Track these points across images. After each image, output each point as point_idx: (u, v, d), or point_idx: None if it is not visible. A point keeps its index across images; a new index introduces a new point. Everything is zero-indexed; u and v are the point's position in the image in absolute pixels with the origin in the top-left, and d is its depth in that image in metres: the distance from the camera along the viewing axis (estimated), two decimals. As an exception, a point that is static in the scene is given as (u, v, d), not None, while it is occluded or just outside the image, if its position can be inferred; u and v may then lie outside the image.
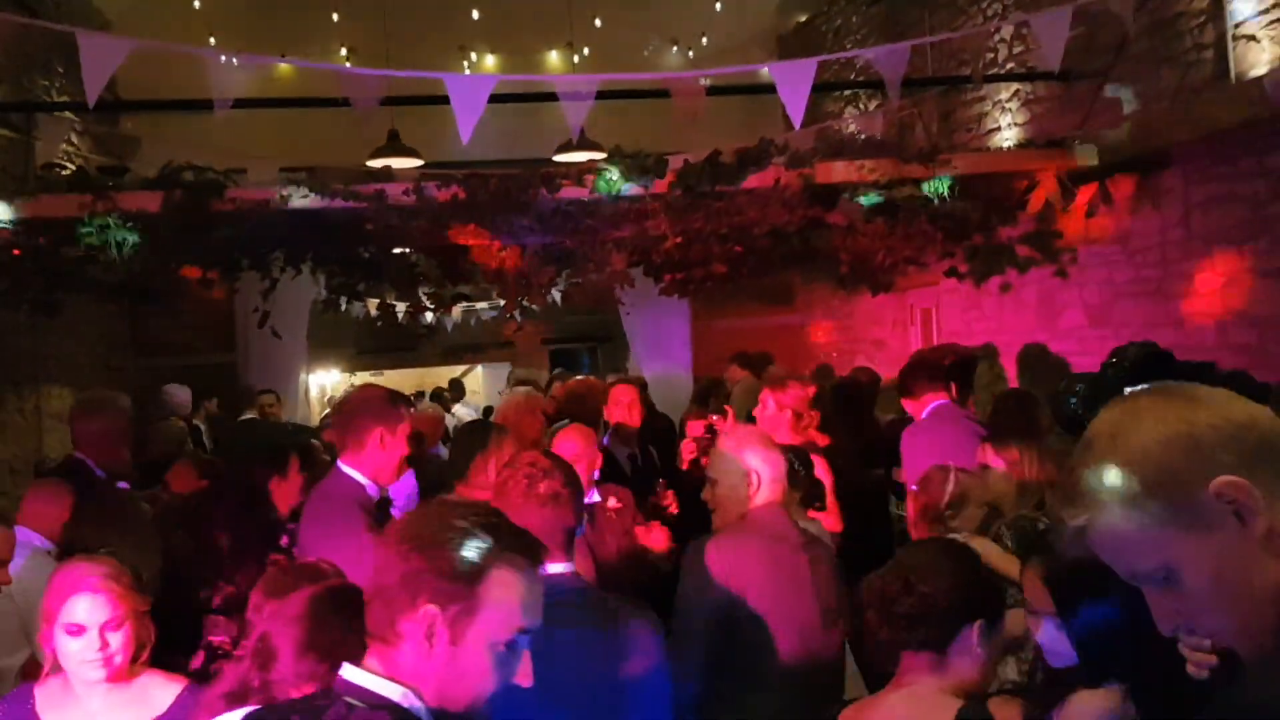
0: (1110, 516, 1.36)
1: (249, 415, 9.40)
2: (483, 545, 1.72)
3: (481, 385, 15.57)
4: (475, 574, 1.71)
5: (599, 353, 14.77)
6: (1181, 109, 5.93)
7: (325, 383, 13.76)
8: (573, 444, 4.13)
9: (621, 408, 5.56)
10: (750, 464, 3.25)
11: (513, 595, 1.76)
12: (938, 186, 5.90)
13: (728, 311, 10.99)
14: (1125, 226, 6.63)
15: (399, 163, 7.85)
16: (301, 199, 5.61)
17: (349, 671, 1.74)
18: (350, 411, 3.83)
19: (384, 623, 1.71)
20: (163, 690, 2.71)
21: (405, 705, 1.69)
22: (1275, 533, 1.30)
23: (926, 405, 5.02)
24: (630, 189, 5.48)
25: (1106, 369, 1.80)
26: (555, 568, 2.63)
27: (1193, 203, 6.20)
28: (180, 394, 9.01)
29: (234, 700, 2.16)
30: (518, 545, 1.79)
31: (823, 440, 5.17)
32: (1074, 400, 1.87)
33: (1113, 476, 1.35)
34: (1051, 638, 2.30)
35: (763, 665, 3.06)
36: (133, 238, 5.41)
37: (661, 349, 10.70)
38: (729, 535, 3.21)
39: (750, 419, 5.45)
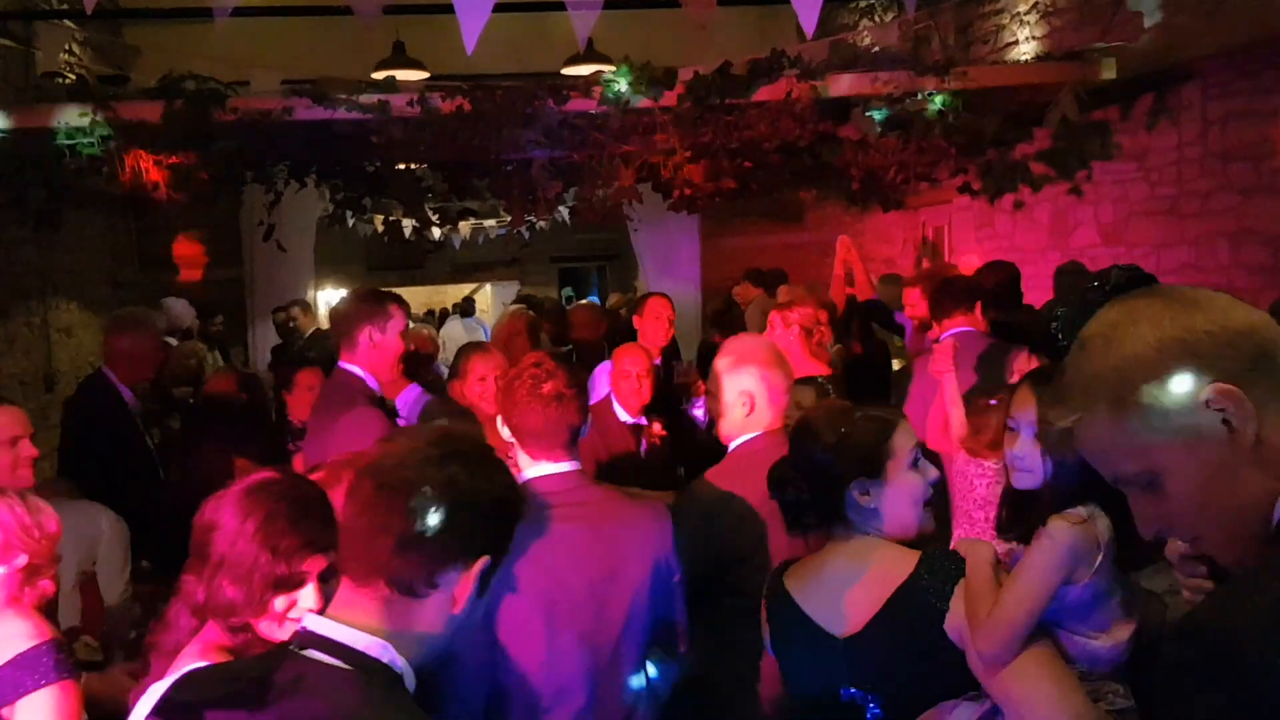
0: (1098, 418, 1.35)
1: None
2: None
3: (490, 303, 15.57)
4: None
5: (607, 271, 14.74)
6: (1204, 21, 5.78)
7: (334, 300, 13.76)
8: (632, 365, 4.19)
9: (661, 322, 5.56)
10: (748, 385, 3.19)
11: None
12: (944, 102, 5.77)
13: (737, 229, 10.90)
14: (1141, 143, 6.51)
15: (404, 75, 7.72)
16: (305, 110, 5.52)
17: (313, 621, 1.59)
18: (342, 313, 4.04)
19: (418, 573, 1.57)
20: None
21: (385, 660, 1.55)
22: (1264, 443, 1.28)
23: (947, 330, 4.94)
24: (639, 101, 5.39)
25: (1087, 293, 1.79)
26: (560, 466, 2.68)
27: (1211, 119, 6.08)
28: (179, 307, 8.97)
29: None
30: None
31: (823, 367, 5.08)
32: (1055, 324, 1.85)
33: (1104, 378, 1.33)
34: (1026, 453, 2.25)
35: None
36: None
37: (670, 266, 10.64)
38: (718, 477, 3.16)
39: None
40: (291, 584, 1.93)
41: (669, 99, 5.44)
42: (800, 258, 10.97)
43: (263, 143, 5.79)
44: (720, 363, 3.26)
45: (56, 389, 8.00)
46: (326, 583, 1.91)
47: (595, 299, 12.42)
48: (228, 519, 1.98)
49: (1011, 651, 2.00)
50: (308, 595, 1.94)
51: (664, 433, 4.56)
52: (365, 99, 5.50)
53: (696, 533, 2.93)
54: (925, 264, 8.77)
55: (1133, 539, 1.77)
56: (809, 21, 4.40)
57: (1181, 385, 1.29)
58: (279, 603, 1.93)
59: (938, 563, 2.23)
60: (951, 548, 2.34)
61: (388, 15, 5.94)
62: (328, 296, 13.55)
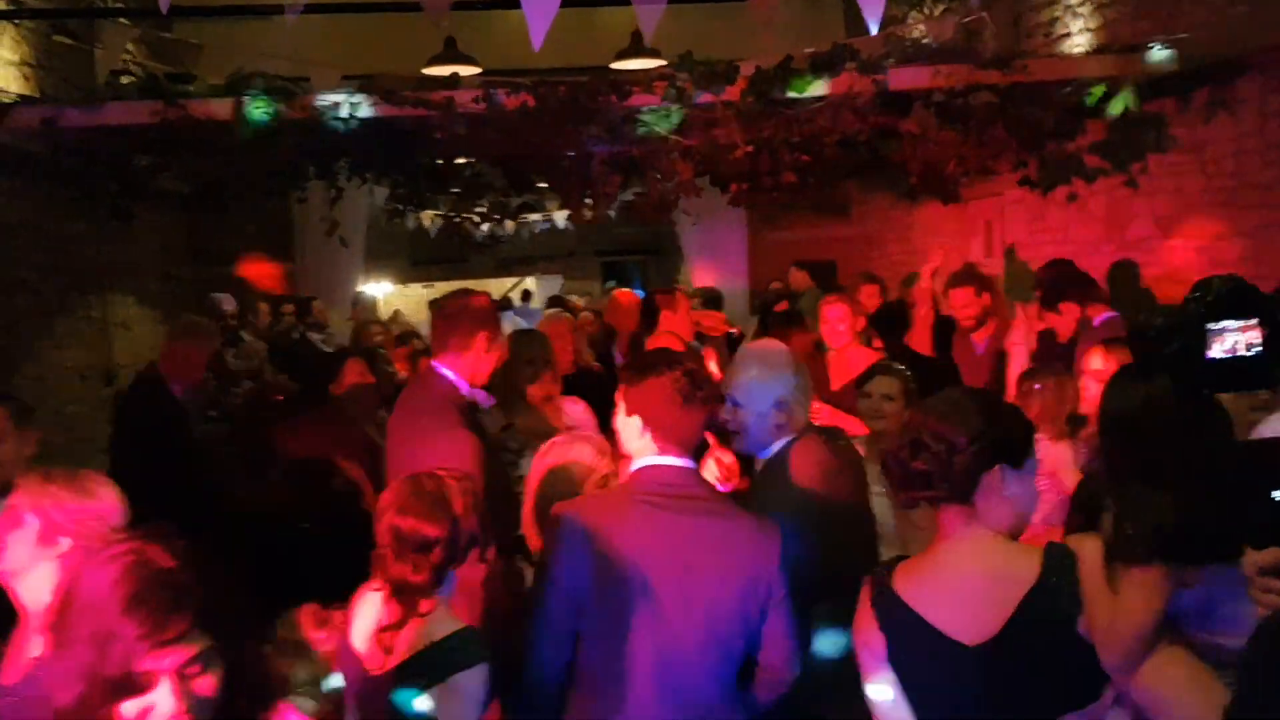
0: None
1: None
2: None
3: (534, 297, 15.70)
4: None
5: (650, 265, 14.76)
6: (1263, 11, 5.75)
7: (378, 294, 13.87)
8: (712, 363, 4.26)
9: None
10: (782, 393, 3.15)
11: None
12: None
13: (784, 223, 10.92)
14: (1198, 135, 6.48)
15: (458, 71, 7.78)
16: (370, 108, 5.60)
17: None
18: (455, 314, 3.86)
19: None
20: None
21: None
22: None
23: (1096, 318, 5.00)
24: (700, 96, 5.43)
25: (1189, 302, 1.77)
26: (681, 461, 2.75)
27: (1270, 110, 6.06)
28: (226, 303, 9.09)
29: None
30: None
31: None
32: (1153, 333, 1.84)
33: None
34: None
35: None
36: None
37: (717, 260, 10.68)
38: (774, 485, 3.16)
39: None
40: (133, 688, 1.56)
41: (730, 93, 5.47)
42: (848, 251, 10.98)
43: (328, 139, 5.87)
44: (748, 374, 3.19)
45: (115, 383, 8.11)
46: (188, 680, 1.59)
47: (640, 293, 12.48)
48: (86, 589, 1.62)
49: (1135, 662, 1.97)
50: (162, 697, 1.57)
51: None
52: (432, 95, 5.56)
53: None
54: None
55: (1199, 535, 1.79)
56: (874, 14, 4.41)
57: None
58: (127, 708, 1.58)
59: (1062, 562, 2.16)
60: (1062, 541, 2.30)
61: (441, 10, 6.00)
62: (371, 290, 13.67)
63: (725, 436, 3.43)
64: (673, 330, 5.45)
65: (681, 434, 2.73)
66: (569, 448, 3.38)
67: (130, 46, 8.56)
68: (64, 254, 7.78)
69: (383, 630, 2.64)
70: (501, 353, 3.91)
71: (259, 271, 5.75)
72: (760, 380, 3.16)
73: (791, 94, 5.46)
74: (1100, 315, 5.26)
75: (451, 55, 8.24)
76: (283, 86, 5.56)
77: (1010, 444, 2.23)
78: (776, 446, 3.17)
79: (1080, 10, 7.48)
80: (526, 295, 14.08)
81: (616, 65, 7.40)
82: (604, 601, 2.60)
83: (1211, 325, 1.67)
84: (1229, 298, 1.72)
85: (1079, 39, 7.43)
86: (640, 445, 2.76)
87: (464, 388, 3.78)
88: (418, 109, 5.54)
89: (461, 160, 6.77)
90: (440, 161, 6.52)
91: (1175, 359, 1.74)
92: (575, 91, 5.45)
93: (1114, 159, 6.52)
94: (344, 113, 5.49)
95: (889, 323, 6.79)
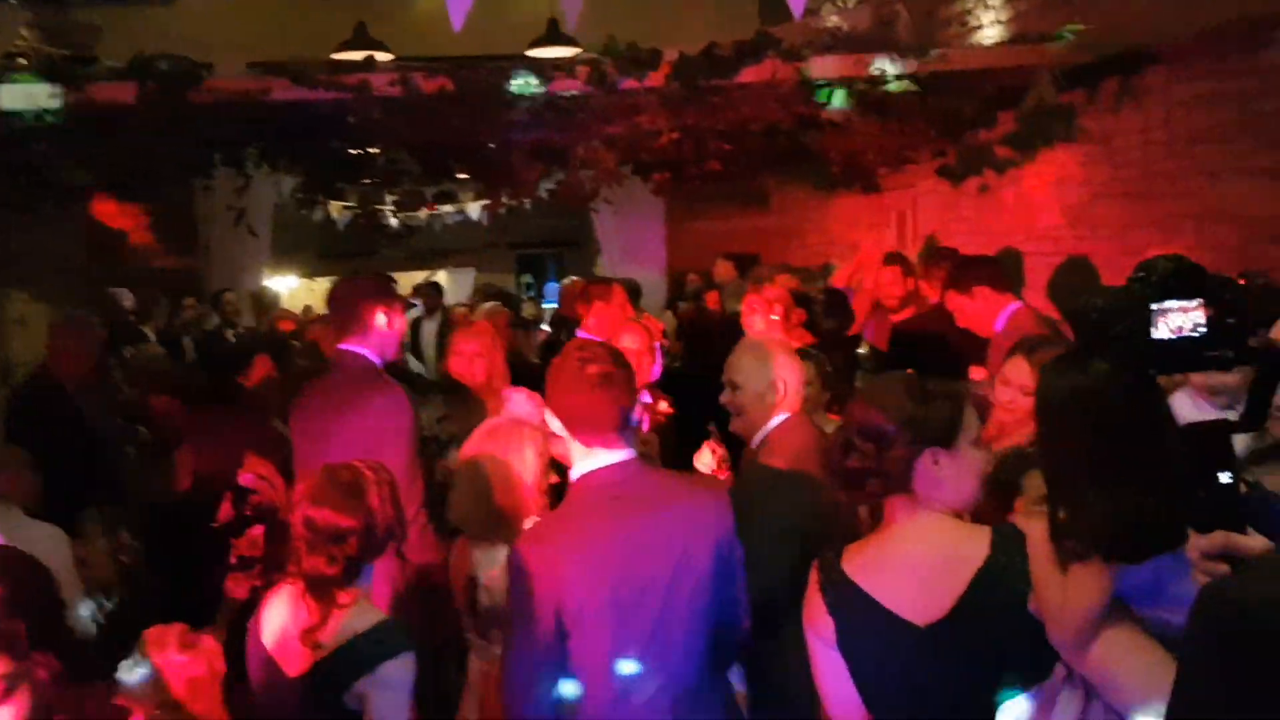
0: None
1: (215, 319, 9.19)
2: None
3: (446, 290, 15.48)
4: None
5: (565, 257, 14.67)
6: (1170, 4, 5.89)
7: (283, 288, 13.54)
8: (632, 342, 4.24)
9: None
10: (779, 373, 3.31)
11: None
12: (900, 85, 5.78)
13: (703, 213, 10.92)
14: (1106, 126, 6.62)
15: (383, 59, 7.61)
16: (282, 91, 5.41)
17: None
18: (348, 295, 3.96)
19: None
20: None
21: None
22: None
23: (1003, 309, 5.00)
24: (623, 82, 5.36)
25: (1133, 283, 1.77)
26: (616, 454, 2.64)
27: (1176, 101, 6.20)
28: (125, 299, 8.82)
29: None
30: None
31: (809, 338, 5.20)
32: (1095, 315, 1.83)
33: None
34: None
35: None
36: None
37: (635, 251, 10.65)
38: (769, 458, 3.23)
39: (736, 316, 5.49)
40: None
41: (654, 80, 5.42)
42: (767, 241, 11.02)
43: (237, 125, 5.68)
44: (747, 356, 3.35)
45: (12, 380, 7.79)
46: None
47: (556, 286, 12.36)
48: None
49: (1086, 641, 1.98)
50: None
51: (671, 410, 4.58)
52: (346, 79, 5.40)
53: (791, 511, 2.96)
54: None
55: (1143, 532, 1.79)
56: (798, 5, 4.40)
57: None
58: None
59: (1011, 541, 2.18)
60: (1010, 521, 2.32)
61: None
62: (277, 284, 13.34)
63: (725, 418, 3.52)
64: (606, 322, 5.41)
65: (599, 422, 2.62)
66: (501, 435, 3.33)
67: (24, 30, 8.19)
68: (-47, 250, 7.45)
69: (307, 631, 2.56)
70: (404, 323, 4.06)
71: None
72: (757, 361, 3.34)
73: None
74: (1009, 305, 5.27)
75: (363, 41, 8.04)
76: (189, 70, 5.34)
77: (938, 427, 2.25)
78: (771, 424, 3.33)
79: (992, 3, 7.59)
80: (436, 288, 13.85)
81: (532, 53, 7.30)
82: (581, 624, 2.54)
83: (1156, 305, 1.64)
84: (1173, 277, 1.69)
85: (990, 30, 7.54)
86: (574, 450, 2.68)
87: (380, 364, 3.87)
88: (330, 93, 5.37)
89: (375, 150, 6.60)
90: (353, 150, 6.34)
91: (1120, 341, 1.70)
92: (497, 76, 5.34)
93: (1023, 150, 6.62)
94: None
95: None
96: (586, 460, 2.65)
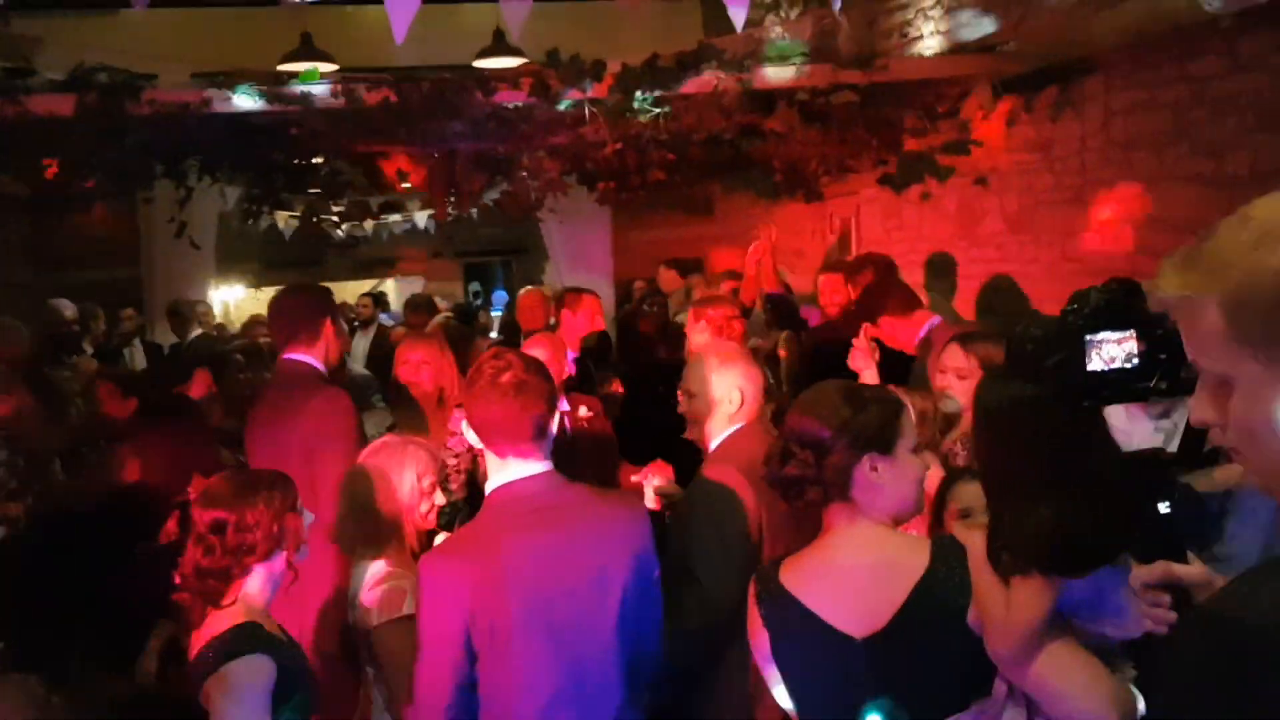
0: (1210, 307, 1.25)
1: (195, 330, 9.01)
2: None
3: (392, 301, 15.38)
4: None
5: (514, 265, 14.64)
6: (1105, 13, 6.00)
7: (229, 298, 13.38)
8: (541, 351, 4.19)
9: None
10: (738, 381, 3.28)
11: None
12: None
13: (648, 222, 10.95)
14: (1046, 134, 6.73)
15: (316, 68, 7.57)
16: (223, 102, 5.37)
17: None
18: (294, 309, 4.02)
19: None
20: None
21: None
22: None
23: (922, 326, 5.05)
24: (567, 93, 5.38)
25: (1067, 314, 1.77)
26: (531, 466, 2.58)
27: (1114, 109, 6.31)
28: (67, 309, 8.62)
29: None
30: None
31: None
32: (1031, 345, 1.83)
33: (1246, 278, 1.21)
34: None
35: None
36: None
37: (582, 260, 10.65)
38: (723, 465, 3.20)
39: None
40: None
41: (598, 91, 5.44)
42: (711, 248, 11.08)
43: (177, 136, 5.62)
44: (706, 363, 3.32)
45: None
46: None
47: (503, 294, 12.34)
48: None
49: (1029, 653, 1.95)
50: None
51: (590, 414, 4.60)
52: (288, 90, 5.36)
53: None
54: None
55: (1080, 549, 1.78)
56: (739, 13, 4.45)
57: None
58: None
59: (951, 552, 2.16)
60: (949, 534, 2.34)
61: (296, 6, 5.83)
62: (222, 295, 13.19)
63: (681, 426, 3.47)
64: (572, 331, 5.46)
65: (512, 432, 2.56)
66: (385, 451, 3.30)
67: (-40, 42, 8.05)
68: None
69: (187, 625, 2.59)
70: (345, 333, 4.23)
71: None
72: (714, 371, 3.29)
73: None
74: (925, 321, 5.31)
75: (308, 52, 7.99)
76: (127, 81, 5.28)
77: (874, 434, 2.23)
78: (731, 430, 3.30)
79: (932, 14, 7.69)
80: (378, 300, 13.75)
81: (478, 64, 7.30)
82: (492, 642, 2.47)
83: (1090, 337, 1.66)
84: (1106, 309, 1.70)
85: (930, 41, 7.65)
86: (490, 462, 2.63)
87: (321, 370, 3.94)
88: (273, 105, 5.33)
89: (320, 160, 6.56)
90: (297, 160, 6.30)
91: (1055, 372, 1.71)
92: (439, 86, 5.33)
93: (963, 157, 6.71)
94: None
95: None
96: (501, 472, 2.60)
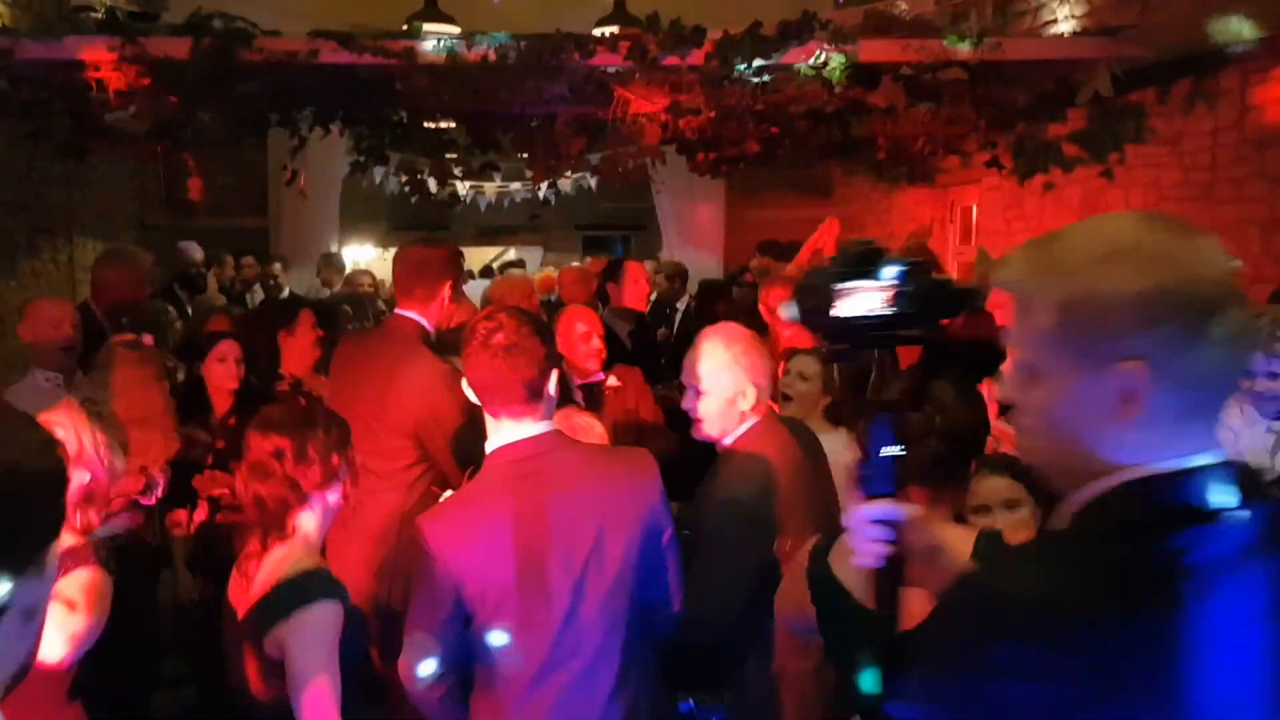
0: (1038, 298, 1.34)
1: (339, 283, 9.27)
2: None
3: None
4: None
5: (632, 240, 14.67)
6: (1244, 4, 5.65)
7: (358, 257, 13.74)
8: (581, 324, 4.25)
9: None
10: (749, 376, 3.08)
11: None
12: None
13: (763, 201, 10.81)
14: (1176, 127, 6.39)
15: (434, 29, 7.68)
16: (330, 54, 5.47)
17: None
18: (422, 264, 4.01)
19: None
20: None
21: None
22: (1147, 419, 1.27)
23: None
24: (666, 59, 5.31)
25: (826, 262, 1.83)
26: (526, 428, 2.57)
27: (1249, 104, 5.97)
28: (194, 251, 8.92)
29: None
30: None
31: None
32: (797, 292, 1.90)
33: (1075, 279, 1.30)
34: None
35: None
36: None
37: (692, 236, 10.58)
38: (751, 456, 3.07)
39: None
40: None
41: (697, 58, 5.36)
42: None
43: (287, 86, 5.76)
44: (713, 360, 3.09)
45: (80, 327, 8.03)
46: None
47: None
48: None
49: None
50: None
51: (620, 383, 4.58)
52: (391, 44, 5.44)
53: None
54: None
55: None
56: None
57: (1114, 342, 1.27)
58: None
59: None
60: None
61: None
62: (352, 253, 13.55)
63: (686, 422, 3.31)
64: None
65: (504, 393, 2.55)
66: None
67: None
68: (33, 194, 7.71)
69: (245, 559, 2.59)
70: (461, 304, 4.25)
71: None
72: (724, 367, 3.07)
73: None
74: None
75: (431, 14, 8.14)
76: (241, 29, 5.44)
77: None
78: (739, 431, 3.10)
79: (1066, -3, 7.37)
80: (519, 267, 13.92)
81: (596, 31, 7.29)
82: (485, 606, 2.47)
83: (837, 285, 1.65)
84: (859, 260, 1.67)
85: (1064, 25, 7.33)
86: (489, 424, 2.62)
87: (430, 329, 3.98)
88: (377, 57, 5.41)
89: (430, 124, 6.68)
90: (403, 115, 6.42)
91: (806, 315, 1.73)
92: (538, 47, 5.33)
93: (1092, 148, 6.40)
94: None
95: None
96: (497, 434, 2.60)
